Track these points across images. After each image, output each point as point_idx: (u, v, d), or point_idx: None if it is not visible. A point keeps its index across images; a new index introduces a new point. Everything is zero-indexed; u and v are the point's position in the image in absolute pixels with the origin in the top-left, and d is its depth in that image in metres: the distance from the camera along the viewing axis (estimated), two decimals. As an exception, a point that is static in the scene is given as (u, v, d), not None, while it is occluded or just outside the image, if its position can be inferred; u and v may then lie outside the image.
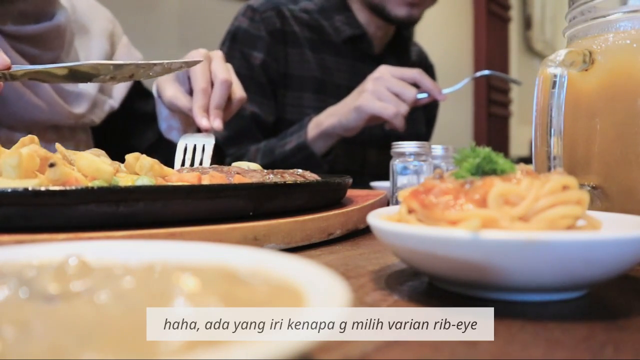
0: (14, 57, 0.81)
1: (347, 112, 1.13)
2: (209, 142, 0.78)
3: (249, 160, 1.20)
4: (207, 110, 0.81)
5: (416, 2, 1.28)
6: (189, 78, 0.84)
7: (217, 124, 0.80)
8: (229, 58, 1.30)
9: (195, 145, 0.78)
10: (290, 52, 1.35)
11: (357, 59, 1.41)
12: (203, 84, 0.81)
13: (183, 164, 0.77)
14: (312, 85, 1.35)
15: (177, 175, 0.52)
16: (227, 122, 1.27)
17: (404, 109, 1.09)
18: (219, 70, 0.83)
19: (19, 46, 0.83)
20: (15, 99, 0.83)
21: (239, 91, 0.88)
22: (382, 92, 1.09)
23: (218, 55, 0.86)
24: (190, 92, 0.85)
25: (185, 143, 0.79)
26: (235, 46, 1.33)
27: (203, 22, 2.00)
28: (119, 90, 1.02)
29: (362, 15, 1.38)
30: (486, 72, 1.24)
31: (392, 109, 1.08)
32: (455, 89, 1.16)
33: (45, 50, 0.86)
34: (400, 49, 1.48)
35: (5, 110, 0.83)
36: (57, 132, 0.92)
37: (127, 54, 1.05)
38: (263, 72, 1.32)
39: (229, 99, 0.85)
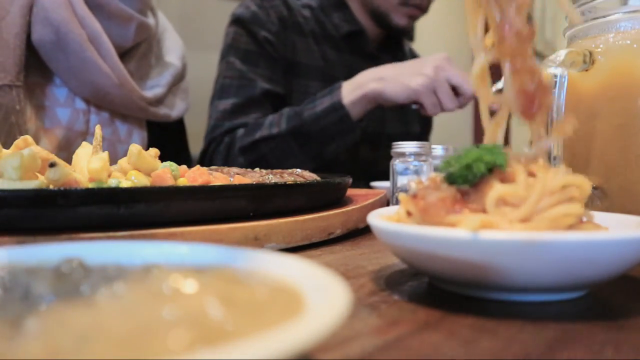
0: (91, 25, 0.86)
1: (397, 87, 1.09)
2: None
3: (271, 127, 1.19)
4: None
5: (416, 15, 1.37)
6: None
7: None
8: (237, 37, 1.32)
9: None
10: (297, 40, 1.35)
11: (354, 54, 1.42)
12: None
13: None
14: (318, 74, 1.36)
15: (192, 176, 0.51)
16: (238, 88, 1.28)
17: (452, 106, 1.10)
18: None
19: (105, 21, 0.89)
20: (82, 68, 0.87)
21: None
22: (440, 84, 1.08)
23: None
24: None
25: None
26: (242, 26, 1.32)
27: (203, 22, 2.00)
28: (179, 108, 1.08)
29: (359, 13, 1.41)
30: None
31: (439, 108, 1.10)
32: None
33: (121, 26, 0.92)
34: (395, 46, 1.51)
35: (78, 80, 0.88)
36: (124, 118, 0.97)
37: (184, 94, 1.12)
38: (273, 48, 1.31)
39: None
